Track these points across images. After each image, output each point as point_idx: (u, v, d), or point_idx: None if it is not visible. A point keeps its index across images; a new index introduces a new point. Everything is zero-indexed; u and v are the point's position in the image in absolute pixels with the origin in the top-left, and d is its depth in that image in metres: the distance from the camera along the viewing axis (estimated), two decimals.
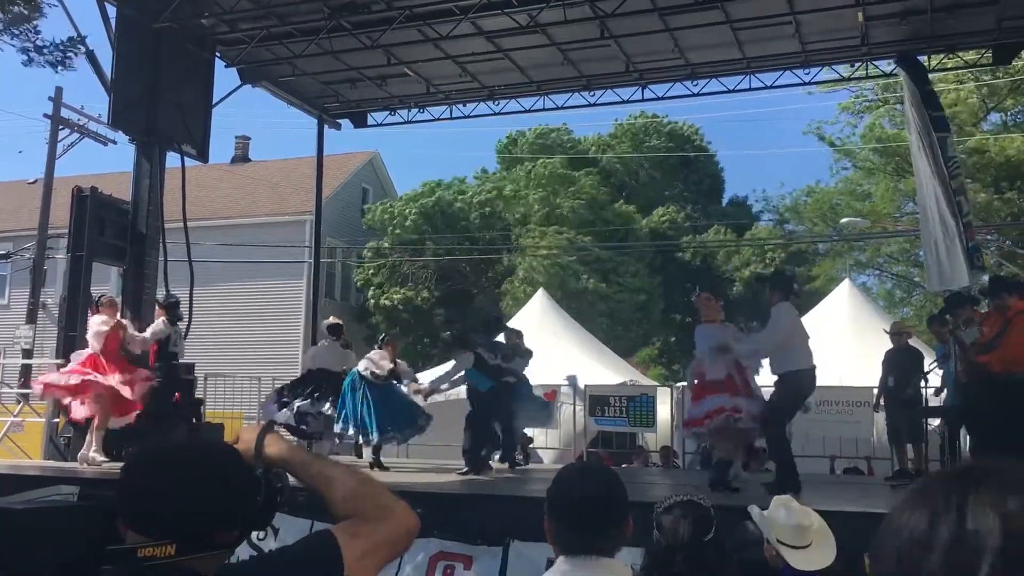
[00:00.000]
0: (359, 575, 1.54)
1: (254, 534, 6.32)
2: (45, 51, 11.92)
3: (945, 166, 10.55)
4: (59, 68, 11.77)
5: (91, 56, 11.56)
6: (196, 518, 1.47)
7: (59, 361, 10.79)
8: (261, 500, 1.60)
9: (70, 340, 10.65)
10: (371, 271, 26.84)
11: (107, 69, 11.35)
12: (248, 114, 66.38)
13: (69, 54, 11.95)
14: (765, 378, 8.40)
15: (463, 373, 10.03)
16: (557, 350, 15.02)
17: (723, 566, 2.64)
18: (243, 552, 2.08)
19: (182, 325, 10.55)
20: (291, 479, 1.68)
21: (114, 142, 21.82)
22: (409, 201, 27.47)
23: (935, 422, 10.94)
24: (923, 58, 12.22)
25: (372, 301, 26.14)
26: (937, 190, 10.86)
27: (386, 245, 26.64)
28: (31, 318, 20.13)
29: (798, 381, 7.78)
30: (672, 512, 2.69)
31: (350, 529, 1.57)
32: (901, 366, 10.57)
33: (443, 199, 27.50)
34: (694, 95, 13.65)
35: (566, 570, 2.20)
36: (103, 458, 9.38)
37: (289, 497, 1.64)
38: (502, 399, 9.87)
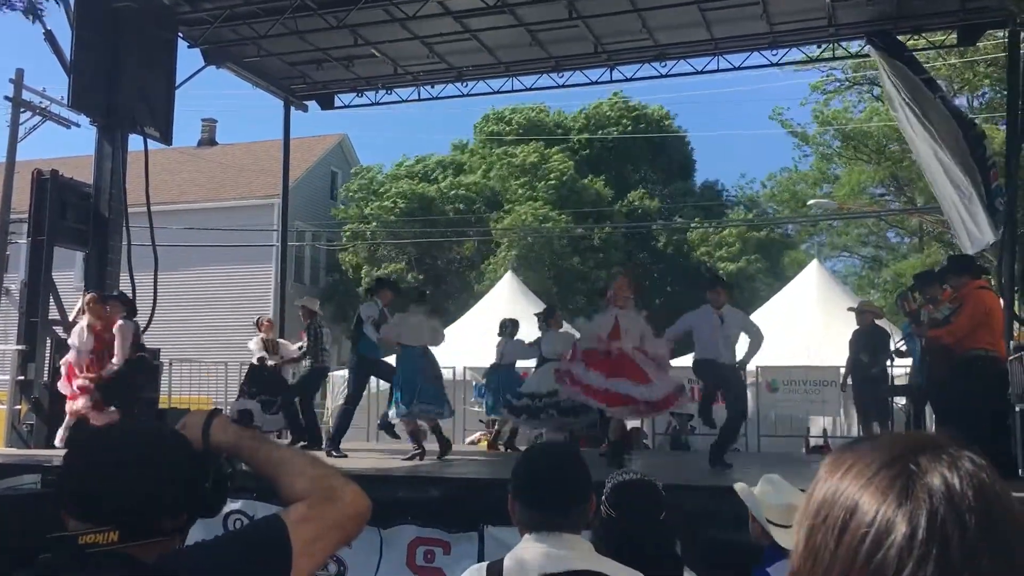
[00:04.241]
0: (308, 559, 1.50)
1: (228, 522, 6.17)
2: None
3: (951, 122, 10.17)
4: (32, 17, 11.27)
5: (50, 36, 11.29)
6: (139, 504, 1.44)
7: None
8: (209, 485, 1.56)
9: (31, 326, 10.49)
10: (359, 255, 26.57)
11: (67, 50, 11.12)
12: (215, 96, 65.49)
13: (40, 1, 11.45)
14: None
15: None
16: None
17: (674, 545, 2.65)
18: None
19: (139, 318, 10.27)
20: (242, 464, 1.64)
21: (77, 125, 21.41)
22: (395, 186, 27.24)
23: (901, 400, 11.11)
24: None
25: (365, 282, 25.95)
26: (940, 153, 10.31)
27: (366, 225, 26.44)
28: None
29: None
30: (623, 490, 2.69)
31: (299, 512, 1.53)
32: (868, 345, 10.70)
33: (425, 194, 27.35)
34: (662, 76, 13.65)
35: (528, 544, 2.20)
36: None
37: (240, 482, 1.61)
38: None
